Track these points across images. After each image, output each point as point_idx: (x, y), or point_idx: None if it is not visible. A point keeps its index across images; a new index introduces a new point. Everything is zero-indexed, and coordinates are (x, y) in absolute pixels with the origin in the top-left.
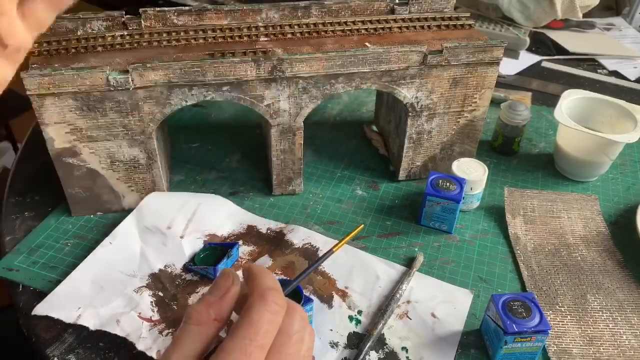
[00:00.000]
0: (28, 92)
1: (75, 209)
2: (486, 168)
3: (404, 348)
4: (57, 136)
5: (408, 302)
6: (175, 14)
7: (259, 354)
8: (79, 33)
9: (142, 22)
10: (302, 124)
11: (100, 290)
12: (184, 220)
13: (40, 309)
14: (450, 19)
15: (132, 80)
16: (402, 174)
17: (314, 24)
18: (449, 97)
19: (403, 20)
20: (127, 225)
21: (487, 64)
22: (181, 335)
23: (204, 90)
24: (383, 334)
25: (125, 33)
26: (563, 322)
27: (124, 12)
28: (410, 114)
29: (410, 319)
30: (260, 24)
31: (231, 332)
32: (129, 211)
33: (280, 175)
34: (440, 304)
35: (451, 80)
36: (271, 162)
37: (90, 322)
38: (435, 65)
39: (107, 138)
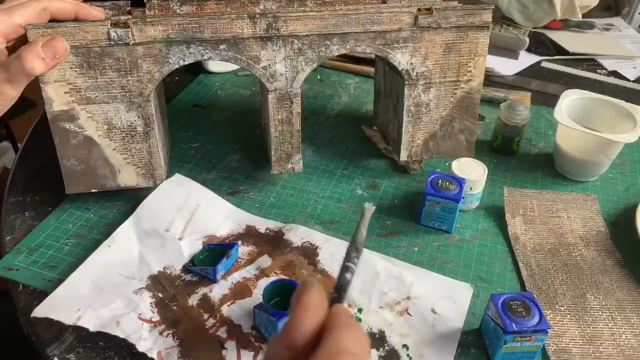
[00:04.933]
0: None
1: (70, 184)
2: (486, 168)
3: (404, 346)
4: (56, 96)
5: (408, 298)
6: (178, 3)
7: None
8: None
9: (147, 11)
10: (299, 90)
11: (99, 292)
12: (182, 222)
13: (40, 311)
14: None
15: (132, 35)
16: (403, 154)
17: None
18: (443, 65)
19: None
20: (126, 229)
21: (478, 28)
22: None
23: (202, 49)
24: (383, 331)
25: None
26: (562, 321)
27: (129, 2)
28: (406, 82)
29: (411, 316)
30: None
31: None
32: (124, 190)
33: (279, 150)
34: (441, 299)
35: (444, 46)
36: (270, 135)
37: (90, 324)
38: (427, 28)
39: (105, 100)
